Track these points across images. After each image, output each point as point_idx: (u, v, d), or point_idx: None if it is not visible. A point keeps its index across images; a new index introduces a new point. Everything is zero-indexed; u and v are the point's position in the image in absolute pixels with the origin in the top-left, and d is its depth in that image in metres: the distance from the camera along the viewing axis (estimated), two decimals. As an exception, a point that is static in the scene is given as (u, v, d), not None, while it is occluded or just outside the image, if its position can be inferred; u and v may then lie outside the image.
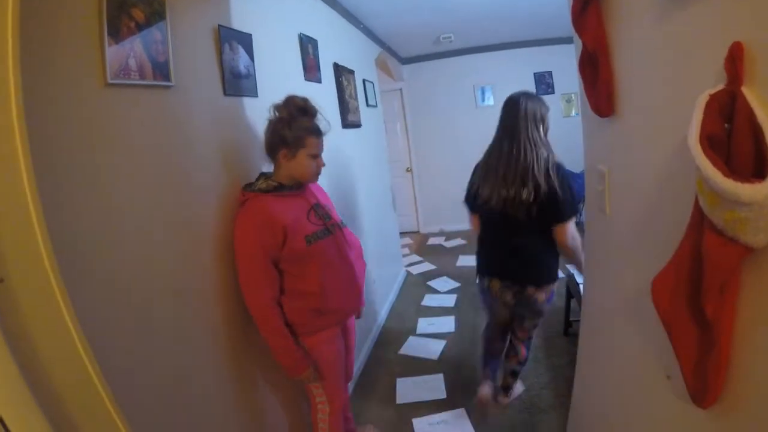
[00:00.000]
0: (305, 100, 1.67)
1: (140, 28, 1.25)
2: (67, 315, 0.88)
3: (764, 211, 0.59)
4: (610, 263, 1.38)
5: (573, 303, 3.04)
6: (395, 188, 5.09)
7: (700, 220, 0.72)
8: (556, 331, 3.25)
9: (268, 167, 1.76)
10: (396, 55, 5.84)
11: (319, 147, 1.69)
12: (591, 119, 1.38)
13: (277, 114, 1.65)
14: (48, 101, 0.96)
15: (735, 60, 0.64)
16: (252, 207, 1.59)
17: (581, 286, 2.71)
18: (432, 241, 6.35)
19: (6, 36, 0.79)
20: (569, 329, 3.16)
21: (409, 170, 6.75)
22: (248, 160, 1.83)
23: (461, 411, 2.53)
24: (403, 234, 6.26)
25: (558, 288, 3.10)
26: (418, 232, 6.92)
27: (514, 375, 2.50)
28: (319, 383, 1.81)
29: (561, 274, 3.05)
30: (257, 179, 1.68)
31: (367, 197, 3.47)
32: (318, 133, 1.68)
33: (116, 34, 1.16)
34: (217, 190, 1.60)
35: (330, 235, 1.72)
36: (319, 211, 1.75)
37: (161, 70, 1.32)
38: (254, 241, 1.56)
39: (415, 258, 5.59)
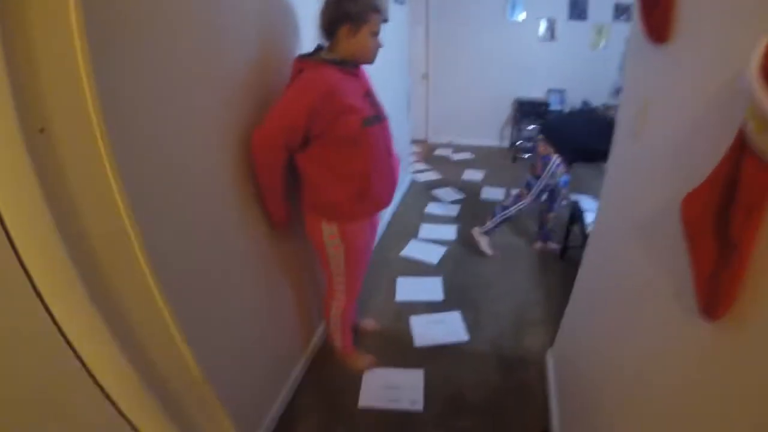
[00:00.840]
0: None
1: None
2: (109, 169, 0.91)
3: None
4: (633, 188, 1.41)
5: (574, 229, 3.12)
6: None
7: (741, 146, 0.75)
8: (552, 255, 3.38)
9: (301, 48, 1.70)
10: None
11: (380, 25, 1.64)
12: (639, 45, 1.35)
13: None
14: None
15: None
16: (316, 74, 1.54)
17: (587, 213, 2.79)
18: (439, 151, 6.35)
19: None
20: (565, 254, 3.28)
21: (425, 77, 6.55)
22: (288, 34, 1.80)
23: (457, 313, 2.68)
24: (411, 142, 6.21)
25: (561, 214, 3.20)
26: (426, 141, 6.89)
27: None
28: (341, 272, 1.89)
29: (565, 201, 3.15)
30: (316, 50, 1.64)
31: (384, 96, 3.33)
32: (380, 10, 1.61)
33: None
34: (253, 63, 1.56)
35: (380, 123, 1.71)
36: (372, 97, 1.73)
37: None
38: (304, 101, 1.51)
39: (422, 166, 5.62)
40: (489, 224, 3.32)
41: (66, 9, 0.79)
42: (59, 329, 0.84)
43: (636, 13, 1.35)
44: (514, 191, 3.31)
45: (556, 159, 2.92)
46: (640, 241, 1.28)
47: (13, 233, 0.74)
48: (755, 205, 0.74)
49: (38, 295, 0.80)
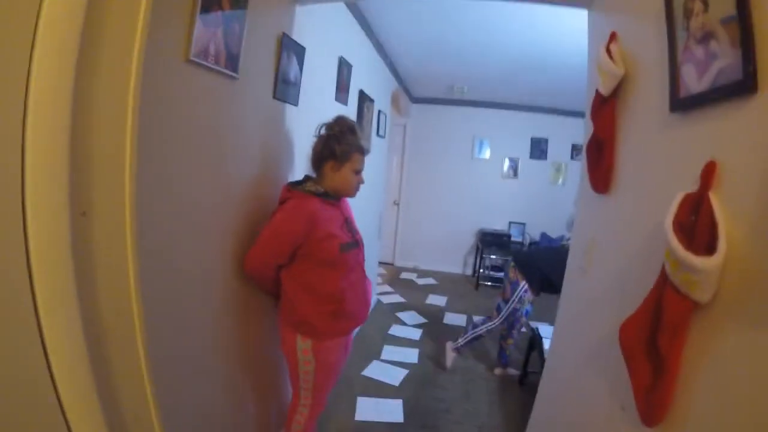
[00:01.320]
0: (354, 122, 1.83)
1: (225, 17, 1.40)
2: (131, 255, 1.02)
3: (710, 277, 0.82)
4: (582, 317, 1.57)
5: (532, 356, 3.21)
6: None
7: (664, 280, 0.94)
8: (512, 380, 3.41)
9: (293, 170, 1.90)
10: (408, 93, 6.13)
11: (362, 164, 1.84)
12: (587, 193, 1.60)
13: (327, 130, 1.79)
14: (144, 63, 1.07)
15: (708, 173, 0.89)
16: (300, 203, 1.72)
17: (545, 340, 2.90)
18: (405, 275, 6.52)
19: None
20: (525, 379, 3.32)
21: (396, 203, 6.96)
22: (282, 160, 2.01)
23: (416, 437, 2.62)
24: (379, 263, 6.39)
25: (520, 341, 3.31)
26: (392, 264, 7.09)
27: None
28: (309, 387, 1.90)
29: (524, 329, 3.28)
30: (303, 181, 1.82)
31: (360, 219, 3.56)
32: (363, 151, 1.82)
33: (206, 16, 1.30)
34: (253, 178, 1.76)
35: (356, 248, 1.86)
36: (350, 225, 1.89)
37: (232, 61, 1.48)
38: (290, 229, 1.68)
39: (387, 288, 5.73)
40: (460, 341, 3.43)
41: (125, 113, 0.96)
42: (60, 405, 0.88)
43: (584, 167, 1.62)
44: (477, 317, 3.45)
45: (524, 285, 3.15)
46: (591, 365, 1.40)
47: (41, 312, 0.82)
48: (679, 327, 0.91)
49: (50, 371, 0.85)
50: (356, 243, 1.85)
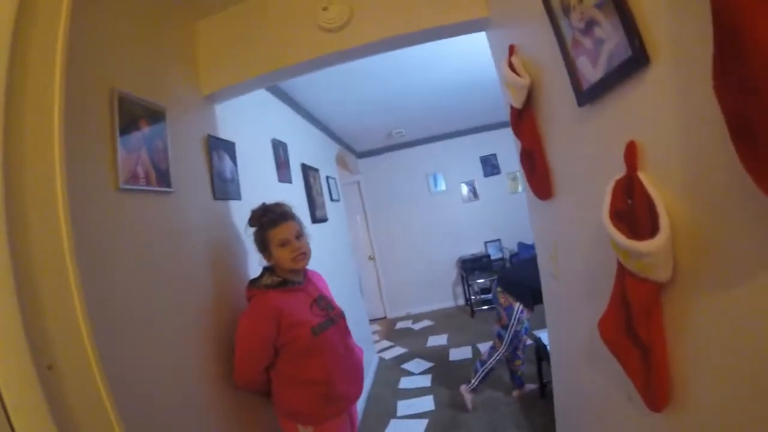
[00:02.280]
0: (263, 204, 1.82)
1: (145, 136, 1.42)
2: (106, 397, 1.00)
3: (660, 257, 0.83)
4: (566, 318, 1.59)
5: (544, 365, 3.18)
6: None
7: (622, 270, 0.95)
8: (532, 395, 3.36)
9: (246, 265, 1.89)
10: (352, 150, 6.26)
11: (285, 232, 1.76)
12: (534, 201, 1.65)
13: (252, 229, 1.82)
14: (75, 200, 1.06)
15: (631, 154, 0.91)
16: (259, 302, 1.70)
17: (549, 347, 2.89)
18: (400, 324, 6.42)
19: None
20: (544, 390, 3.27)
21: (371, 258, 6.96)
22: (234, 256, 1.99)
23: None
24: (371, 321, 6.30)
25: (528, 354, 3.26)
26: (385, 317, 6.99)
27: None
28: None
29: (529, 341, 3.23)
30: (262, 275, 1.80)
31: (338, 287, 3.56)
32: (276, 222, 1.77)
33: (126, 140, 1.32)
34: (209, 281, 1.73)
35: (334, 325, 1.80)
36: (321, 302, 1.85)
37: (163, 177, 1.49)
38: (258, 331, 1.64)
39: (386, 343, 5.62)
40: (474, 381, 3.33)
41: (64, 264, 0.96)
42: None
43: (523, 177, 1.66)
44: (483, 346, 3.39)
45: (518, 307, 3.11)
46: (589, 363, 1.40)
47: None
48: (651, 310, 0.92)
49: None
50: (331, 320, 1.80)
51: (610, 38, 0.90)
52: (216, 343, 1.67)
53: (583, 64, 1.05)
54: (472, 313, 6.06)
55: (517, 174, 6.48)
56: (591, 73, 1.02)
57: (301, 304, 1.76)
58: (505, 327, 3.17)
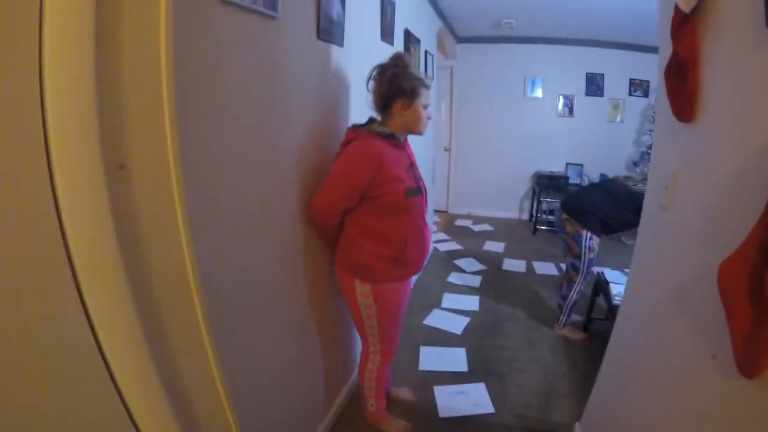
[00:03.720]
0: (411, 58, 1.73)
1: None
2: (179, 207, 0.97)
3: None
4: (664, 258, 1.45)
5: (597, 301, 3.11)
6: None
7: None
8: (575, 326, 3.33)
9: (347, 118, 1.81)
10: (453, 33, 5.83)
11: (428, 99, 1.78)
12: (666, 123, 1.44)
13: (391, 69, 1.70)
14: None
15: None
16: (365, 144, 1.67)
17: (611, 285, 2.79)
18: (459, 222, 6.44)
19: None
20: (589, 326, 3.24)
21: (447, 149, 6.78)
22: (334, 103, 1.94)
23: (481, 385, 2.63)
24: (434, 211, 6.33)
25: (585, 287, 3.16)
26: (446, 211, 6.99)
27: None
28: (375, 333, 1.92)
29: (590, 273, 3.11)
30: (368, 122, 1.77)
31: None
32: (427, 86, 1.76)
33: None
34: (306, 121, 1.70)
35: (419, 195, 1.79)
36: (414, 169, 1.84)
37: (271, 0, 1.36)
38: (355, 172, 1.64)
39: (443, 236, 5.68)
40: (563, 318, 3.24)
41: (158, 59, 0.88)
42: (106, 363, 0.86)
43: (663, 94, 1.45)
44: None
45: (586, 234, 2.95)
46: (673, 309, 1.30)
47: (79, 275, 0.78)
48: None
49: (93, 331, 0.82)
50: (419, 189, 1.79)
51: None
52: (300, 181, 1.68)
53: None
54: (534, 230, 5.94)
55: (620, 102, 5.98)
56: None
57: (401, 163, 1.75)
58: (577, 257, 3.03)
